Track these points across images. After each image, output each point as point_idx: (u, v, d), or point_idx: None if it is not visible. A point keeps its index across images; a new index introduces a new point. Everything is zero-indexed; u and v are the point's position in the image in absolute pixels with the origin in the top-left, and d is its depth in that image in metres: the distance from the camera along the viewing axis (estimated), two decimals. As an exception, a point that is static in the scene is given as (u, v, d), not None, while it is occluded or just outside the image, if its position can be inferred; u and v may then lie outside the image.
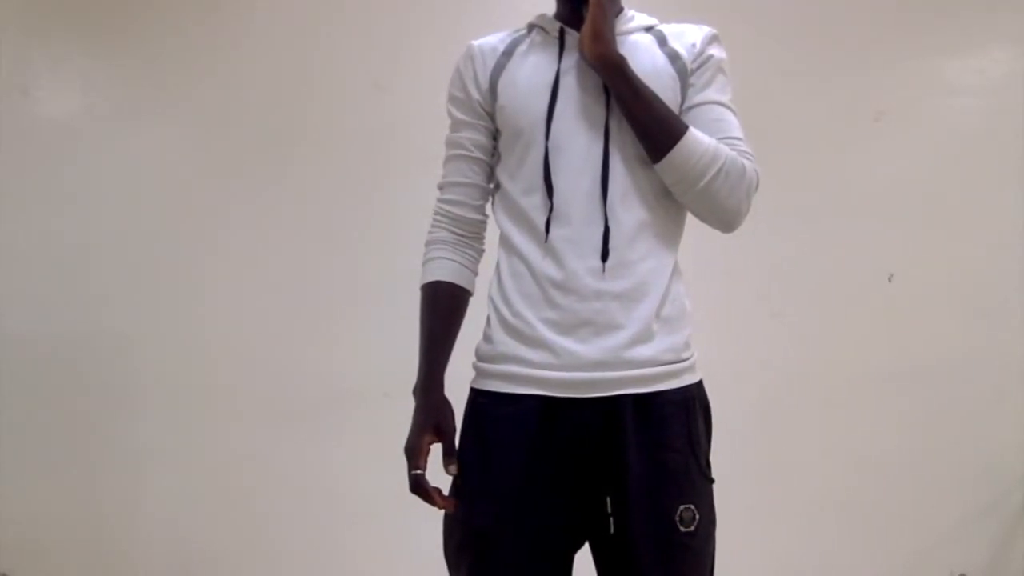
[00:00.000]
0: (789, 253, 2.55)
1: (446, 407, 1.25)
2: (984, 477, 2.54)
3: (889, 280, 2.57)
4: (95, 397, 2.55)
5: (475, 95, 1.29)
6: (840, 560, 2.51)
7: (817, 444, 2.53)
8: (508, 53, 1.29)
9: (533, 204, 1.22)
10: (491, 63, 1.29)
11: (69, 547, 2.52)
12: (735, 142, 1.25)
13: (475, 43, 1.32)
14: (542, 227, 1.20)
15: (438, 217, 1.33)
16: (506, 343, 1.21)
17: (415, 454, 1.21)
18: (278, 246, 2.57)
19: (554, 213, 1.20)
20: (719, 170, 1.20)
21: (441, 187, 1.34)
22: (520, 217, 1.24)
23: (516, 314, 1.21)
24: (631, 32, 1.29)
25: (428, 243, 1.33)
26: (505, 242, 1.26)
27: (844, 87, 2.59)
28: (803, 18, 2.60)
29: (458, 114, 1.31)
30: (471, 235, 1.33)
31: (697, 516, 1.17)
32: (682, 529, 1.16)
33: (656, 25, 1.32)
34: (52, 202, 2.59)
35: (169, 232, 2.58)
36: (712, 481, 1.24)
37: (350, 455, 2.42)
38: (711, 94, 1.28)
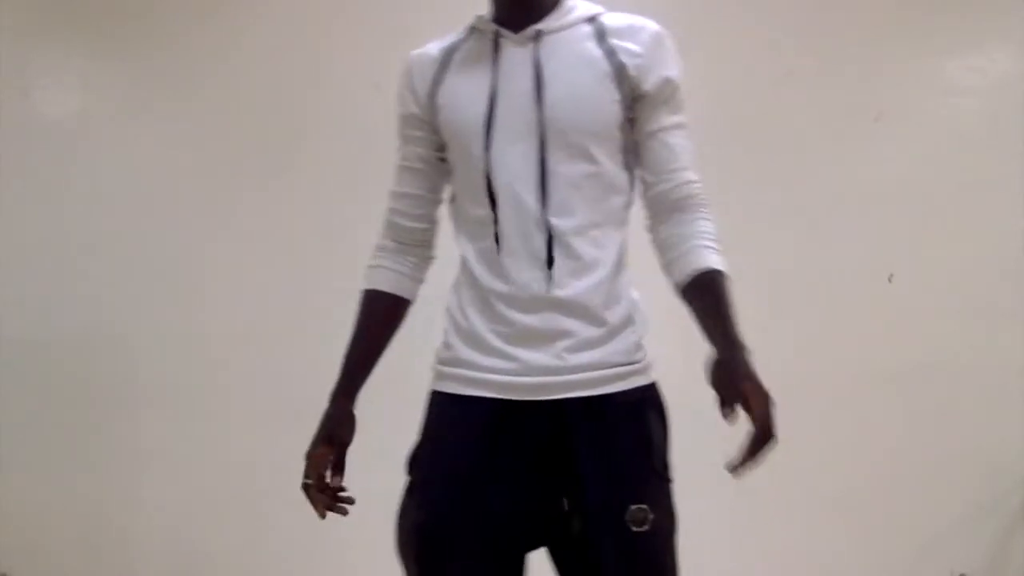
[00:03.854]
0: (789, 253, 2.55)
1: (347, 419, 1.30)
2: (984, 477, 2.54)
3: (889, 280, 2.57)
4: (95, 397, 2.55)
5: (414, 109, 1.29)
6: (840, 560, 2.51)
7: (817, 444, 2.52)
8: (444, 64, 1.28)
9: (479, 216, 1.22)
10: (428, 76, 1.28)
11: (69, 547, 2.52)
12: (684, 173, 1.25)
13: (413, 54, 1.33)
14: (487, 239, 1.21)
15: (384, 229, 1.36)
16: (462, 349, 1.23)
17: (307, 464, 1.28)
18: (278, 246, 2.57)
19: (498, 225, 1.20)
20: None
21: (389, 197, 1.37)
22: (470, 229, 1.25)
23: (469, 324, 1.23)
24: (568, 27, 1.24)
25: (373, 251, 1.36)
26: (461, 252, 1.27)
27: (844, 87, 2.59)
28: (803, 18, 2.60)
29: (401, 129, 1.34)
30: (415, 243, 1.34)
31: (651, 516, 1.17)
32: (634, 529, 1.16)
33: (599, 15, 1.27)
34: (52, 202, 2.59)
35: (169, 232, 2.58)
36: (670, 481, 1.25)
37: (349, 455, 2.42)
38: (663, 119, 1.26)
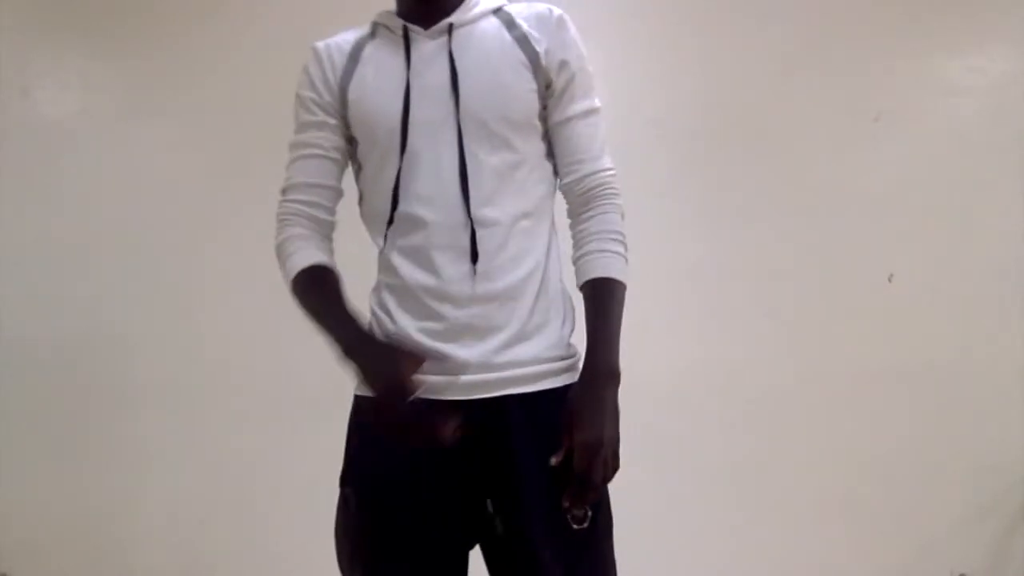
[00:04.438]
0: (789, 253, 2.55)
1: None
2: (984, 477, 2.54)
3: (889, 280, 2.57)
4: (95, 397, 2.54)
5: (326, 96, 1.25)
6: (840, 560, 2.51)
7: (817, 444, 2.53)
8: (355, 57, 1.25)
9: (404, 212, 1.20)
10: (339, 68, 1.25)
11: (69, 547, 2.52)
12: (589, 164, 1.25)
13: (319, 44, 1.29)
14: (413, 235, 1.19)
15: (291, 217, 1.26)
16: None
17: (401, 379, 1.09)
18: (278, 246, 2.57)
19: (420, 221, 1.18)
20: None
21: (288, 189, 1.29)
22: (393, 227, 1.21)
23: (397, 325, 1.20)
24: (477, 19, 1.24)
25: (284, 241, 1.26)
26: (380, 253, 1.24)
27: (844, 87, 2.59)
28: (803, 17, 2.60)
29: (309, 115, 1.27)
30: (326, 237, 1.29)
31: (590, 513, 1.16)
32: (575, 526, 1.15)
33: (503, 6, 1.27)
34: (52, 202, 2.59)
35: (169, 232, 2.58)
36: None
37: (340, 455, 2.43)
38: (567, 107, 1.24)
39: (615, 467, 1.14)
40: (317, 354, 2.53)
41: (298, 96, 1.30)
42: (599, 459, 1.11)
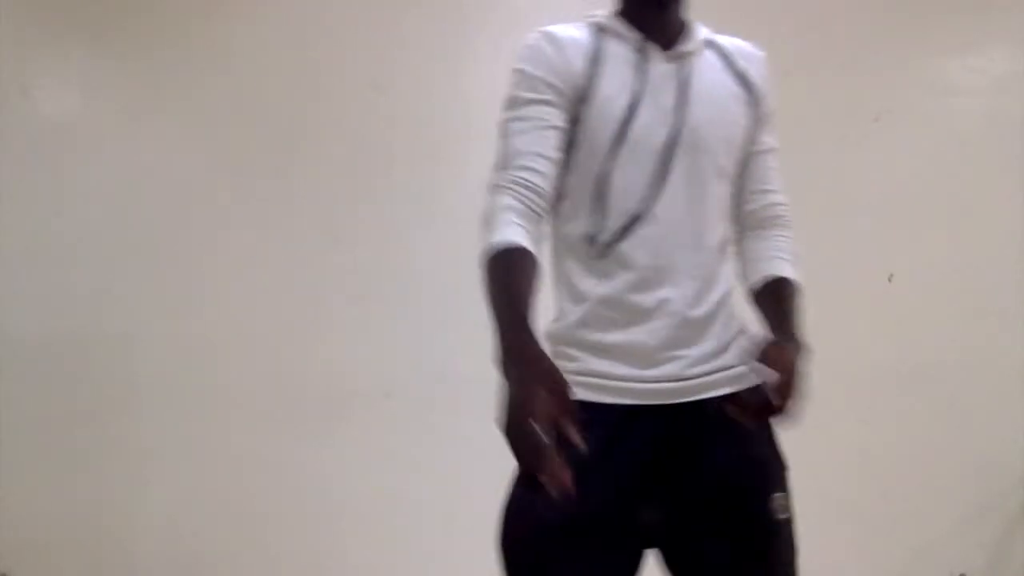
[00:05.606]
0: (789, 253, 2.55)
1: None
2: (984, 477, 2.54)
3: (889, 280, 2.57)
4: (95, 397, 2.55)
5: (561, 84, 1.19)
6: (840, 560, 2.51)
7: (817, 444, 2.51)
8: (596, 60, 1.21)
9: (617, 227, 1.19)
10: (579, 67, 1.20)
11: (69, 547, 2.52)
12: (774, 195, 1.38)
13: (556, 31, 1.22)
14: (626, 252, 1.19)
15: (508, 186, 1.15)
16: (590, 360, 1.20)
17: (539, 410, 0.92)
18: (278, 245, 2.57)
19: (640, 240, 1.19)
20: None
21: (508, 156, 1.18)
22: (605, 240, 1.20)
23: (603, 336, 1.19)
24: (701, 49, 1.26)
25: (493, 211, 1.14)
26: (584, 263, 1.21)
27: (844, 87, 2.59)
28: (803, 18, 2.60)
29: (535, 94, 1.19)
30: (538, 211, 1.17)
31: (788, 503, 1.22)
32: (777, 517, 1.20)
33: (714, 39, 1.30)
34: (52, 202, 2.59)
35: (169, 232, 2.59)
36: (787, 468, 1.30)
37: (350, 455, 2.42)
38: (768, 139, 1.35)
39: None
40: (317, 354, 2.55)
41: (523, 73, 1.21)
42: (798, 376, 1.12)
